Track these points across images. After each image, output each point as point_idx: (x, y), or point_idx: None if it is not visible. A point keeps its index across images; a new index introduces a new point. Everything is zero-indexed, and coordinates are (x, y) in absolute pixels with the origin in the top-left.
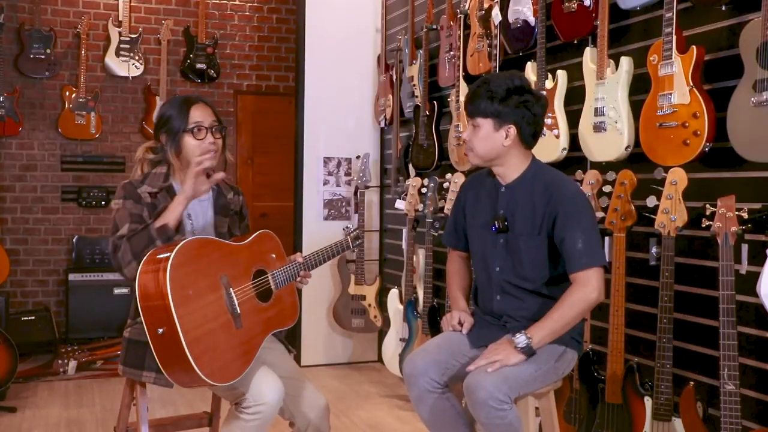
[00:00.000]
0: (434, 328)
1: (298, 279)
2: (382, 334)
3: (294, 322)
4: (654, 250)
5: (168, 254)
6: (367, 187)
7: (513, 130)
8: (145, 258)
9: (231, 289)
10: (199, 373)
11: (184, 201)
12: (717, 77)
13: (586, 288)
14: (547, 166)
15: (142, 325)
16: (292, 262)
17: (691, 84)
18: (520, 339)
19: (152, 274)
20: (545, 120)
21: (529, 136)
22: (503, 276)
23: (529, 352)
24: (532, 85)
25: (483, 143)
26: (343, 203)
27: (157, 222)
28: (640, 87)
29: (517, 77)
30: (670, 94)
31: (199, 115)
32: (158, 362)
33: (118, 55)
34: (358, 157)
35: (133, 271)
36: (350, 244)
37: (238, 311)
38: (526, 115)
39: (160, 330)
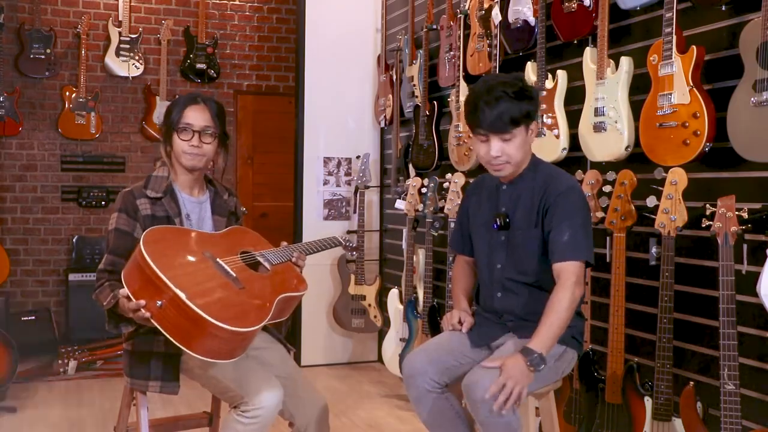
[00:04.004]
0: (434, 328)
1: (293, 259)
2: (382, 334)
3: (306, 289)
4: (654, 250)
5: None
6: (367, 187)
7: (535, 125)
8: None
9: (218, 259)
10: (215, 322)
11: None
12: (717, 77)
13: (568, 283)
14: (545, 162)
15: (141, 337)
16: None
17: (691, 84)
18: (535, 359)
19: (131, 264)
20: (545, 120)
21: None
22: (504, 273)
23: (540, 366)
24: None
25: (521, 151)
26: (343, 203)
27: (112, 300)
28: (640, 87)
29: (517, 77)
30: (670, 94)
31: (192, 116)
32: (176, 342)
33: (118, 55)
34: (358, 157)
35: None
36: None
37: (234, 274)
38: (538, 108)
39: (159, 303)
